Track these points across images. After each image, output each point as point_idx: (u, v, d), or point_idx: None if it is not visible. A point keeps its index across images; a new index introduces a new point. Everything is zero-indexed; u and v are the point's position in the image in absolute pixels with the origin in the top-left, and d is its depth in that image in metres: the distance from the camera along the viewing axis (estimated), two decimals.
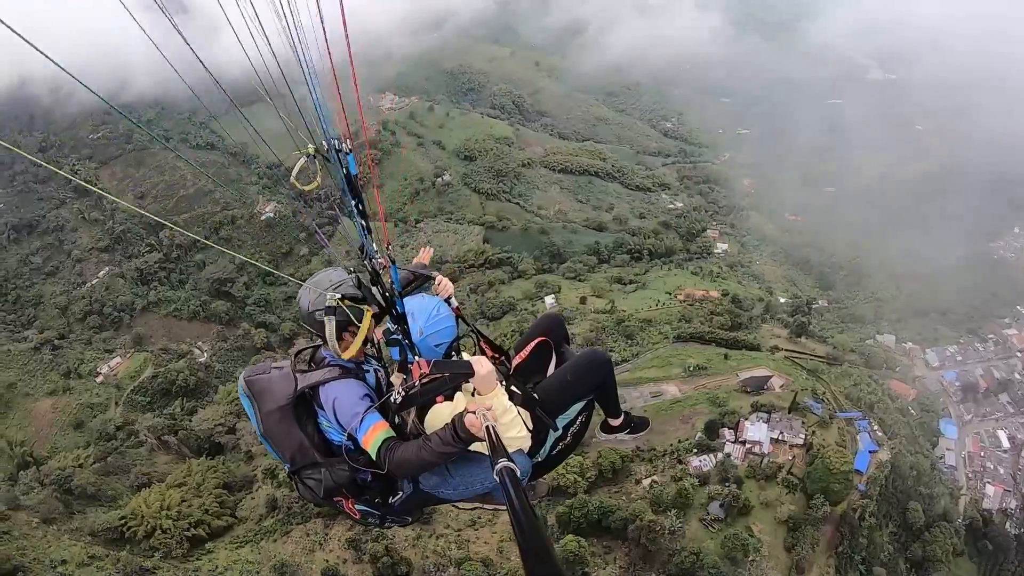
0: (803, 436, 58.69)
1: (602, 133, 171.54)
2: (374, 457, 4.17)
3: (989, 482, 69.52)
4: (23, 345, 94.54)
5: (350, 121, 3.85)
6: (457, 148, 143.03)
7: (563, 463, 6.83)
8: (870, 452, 59.20)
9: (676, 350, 77.52)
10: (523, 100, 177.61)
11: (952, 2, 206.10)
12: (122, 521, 57.45)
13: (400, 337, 4.59)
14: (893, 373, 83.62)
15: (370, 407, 4.27)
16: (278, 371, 4.62)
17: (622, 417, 6.22)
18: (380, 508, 4.81)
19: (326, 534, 53.07)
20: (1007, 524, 64.54)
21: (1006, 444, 75.11)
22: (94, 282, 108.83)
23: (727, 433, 60.65)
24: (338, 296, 4.02)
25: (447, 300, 5.16)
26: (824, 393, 67.12)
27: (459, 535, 52.20)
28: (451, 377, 4.29)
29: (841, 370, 76.44)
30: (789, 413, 61.76)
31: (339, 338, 4.22)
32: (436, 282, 5.32)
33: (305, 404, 4.47)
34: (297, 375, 4.47)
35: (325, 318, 4.17)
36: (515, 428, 4.45)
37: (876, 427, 63.64)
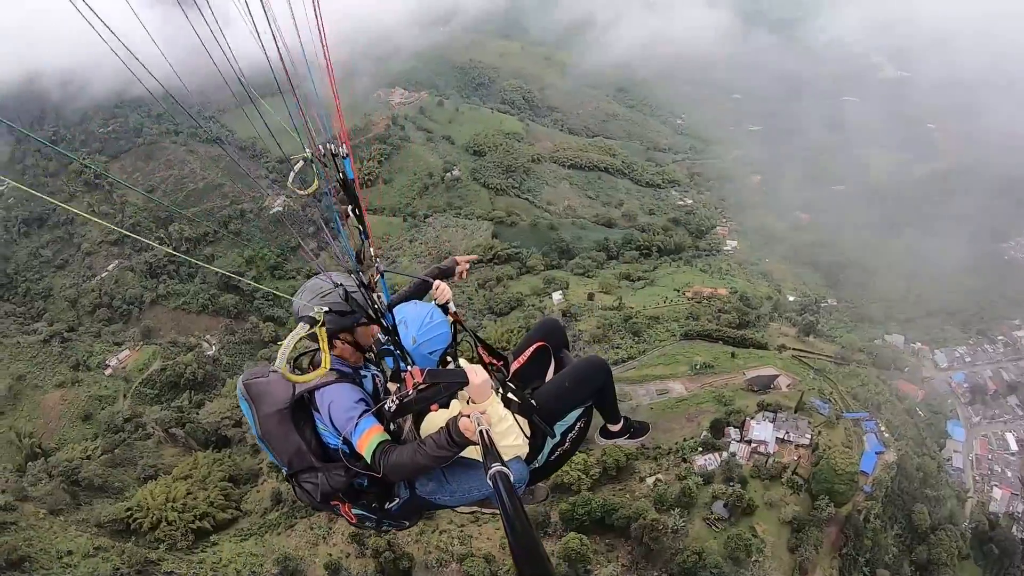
0: (809, 436, 58.47)
1: (612, 129, 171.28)
2: (369, 460, 4.17)
3: (996, 485, 68.90)
4: (32, 337, 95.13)
5: (330, 126, 3.84)
6: (466, 143, 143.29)
7: (563, 466, 6.82)
8: (876, 453, 58.83)
9: (683, 348, 77.44)
10: (533, 95, 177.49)
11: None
12: (128, 513, 57.89)
13: (391, 348, 4.59)
14: (901, 373, 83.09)
15: (365, 411, 4.27)
16: (276, 375, 4.61)
17: (622, 422, 6.18)
18: (377, 512, 4.83)
19: (330, 528, 53.35)
20: (1014, 528, 63.94)
21: (1014, 447, 74.39)
22: (103, 275, 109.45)
23: (732, 432, 60.49)
24: (324, 309, 3.98)
25: (445, 305, 5.13)
26: (831, 393, 66.90)
27: (462, 531, 52.29)
28: (446, 386, 4.29)
29: (849, 370, 76.04)
30: (795, 413, 61.58)
31: (331, 345, 4.29)
32: (434, 287, 5.30)
33: (303, 408, 4.47)
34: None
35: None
36: (510, 437, 4.46)
37: (883, 428, 63.32)
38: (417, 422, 4.74)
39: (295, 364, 4.66)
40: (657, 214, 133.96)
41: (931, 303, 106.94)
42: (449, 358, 4.88)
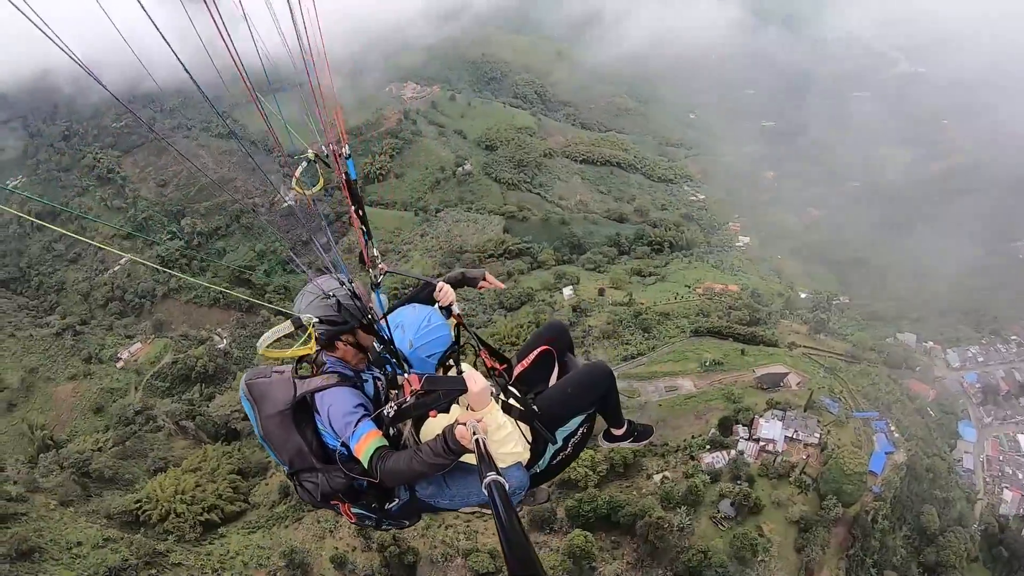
0: (818, 435, 58.14)
1: (624, 124, 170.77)
2: (366, 466, 4.16)
3: (1007, 487, 68.20)
4: (45, 330, 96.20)
5: (329, 127, 3.81)
6: (478, 137, 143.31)
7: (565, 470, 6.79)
8: (886, 454, 58.47)
9: (693, 344, 77.27)
10: (545, 90, 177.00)
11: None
12: (137, 504, 58.60)
13: (387, 356, 4.56)
14: (912, 373, 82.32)
15: (364, 416, 4.26)
16: (278, 375, 4.61)
17: (625, 426, 6.13)
18: (376, 512, 4.82)
19: (336, 522, 53.65)
20: None
21: None
22: (116, 269, 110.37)
23: (741, 430, 60.30)
24: (315, 320, 3.94)
25: (448, 307, 5.08)
26: (841, 392, 66.46)
27: (468, 526, 52.51)
28: (444, 394, 4.26)
29: (859, 368, 75.42)
30: (805, 411, 61.17)
31: (333, 346, 4.32)
32: (437, 289, 5.24)
33: (305, 409, 4.46)
34: (296, 381, 4.46)
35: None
36: (509, 444, 4.42)
37: (893, 428, 62.83)
38: (417, 427, 4.72)
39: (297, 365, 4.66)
40: (669, 210, 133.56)
41: (943, 302, 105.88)
42: (451, 362, 4.84)
